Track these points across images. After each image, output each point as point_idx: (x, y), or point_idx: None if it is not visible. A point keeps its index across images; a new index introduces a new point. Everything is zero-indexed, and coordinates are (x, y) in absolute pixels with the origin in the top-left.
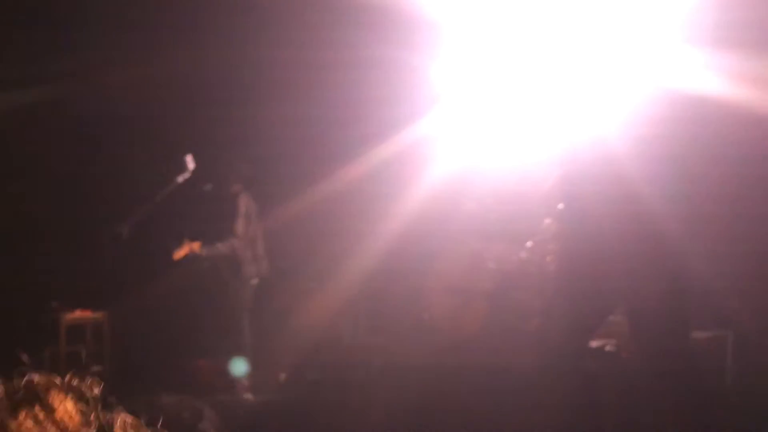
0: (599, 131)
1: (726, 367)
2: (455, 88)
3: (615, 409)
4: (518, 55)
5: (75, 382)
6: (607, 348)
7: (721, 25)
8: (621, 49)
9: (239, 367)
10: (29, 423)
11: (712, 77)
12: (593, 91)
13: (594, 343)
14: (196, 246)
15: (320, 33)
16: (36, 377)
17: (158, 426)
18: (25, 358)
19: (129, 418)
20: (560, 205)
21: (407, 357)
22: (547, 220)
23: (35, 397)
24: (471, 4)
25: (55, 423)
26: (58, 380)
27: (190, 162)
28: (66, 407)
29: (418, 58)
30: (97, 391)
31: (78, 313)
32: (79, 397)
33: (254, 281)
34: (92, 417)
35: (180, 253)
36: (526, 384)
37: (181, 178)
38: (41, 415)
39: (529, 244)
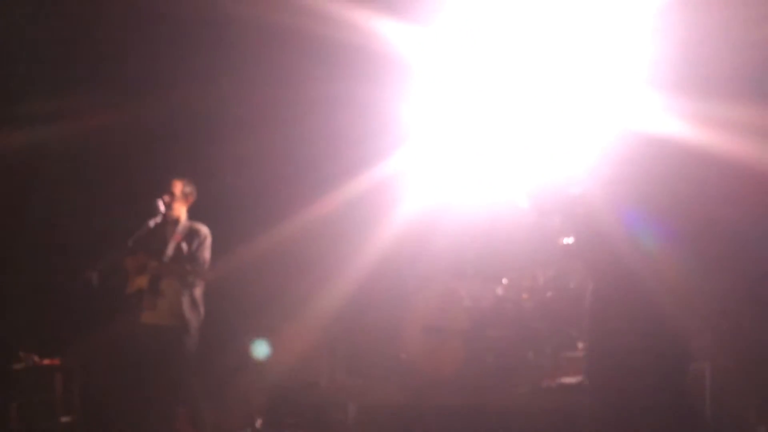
0: (568, 167)
1: (705, 400)
2: (425, 126)
3: None
4: (485, 93)
5: None
6: (586, 383)
7: (681, 67)
8: (586, 92)
9: (212, 410)
10: None
11: (675, 120)
12: (560, 131)
13: (571, 380)
14: (141, 281)
15: (290, 71)
16: None
17: None
18: None
19: None
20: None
21: (385, 398)
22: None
23: None
24: (440, 42)
25: None
26: None
27: (161, 205)
28: None
29: (388, 95)
30: None
31: (47, 362)
32: None
33: (193, 327)
34: None
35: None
36: (505, 423)
37: (152, 222)
38: None
39: (504, 281)
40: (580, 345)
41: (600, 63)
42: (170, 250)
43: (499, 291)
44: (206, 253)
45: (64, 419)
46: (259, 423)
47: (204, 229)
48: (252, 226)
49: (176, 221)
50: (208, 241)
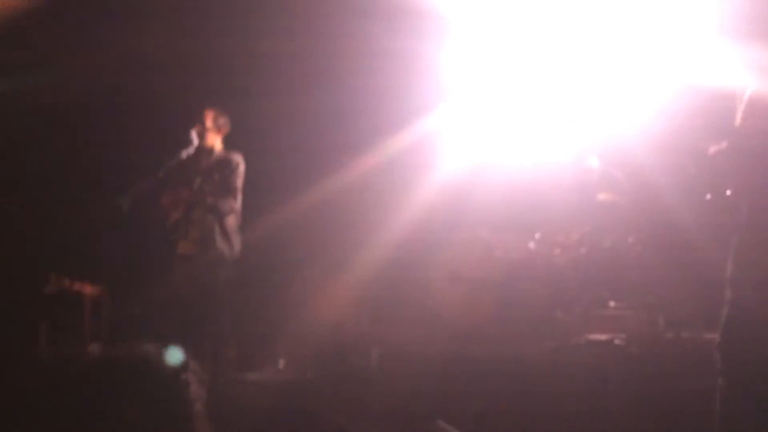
0: (616, 126)
1: None
2: (467, 79)
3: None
4: (533, 45)
5: None
6: (616, 342)
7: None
8: (647, 43)
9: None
10: None
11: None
12: (608, 83)
13: (601, 337)
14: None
15: (330, 23)
16: None
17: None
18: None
19: None
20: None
21: (408, 345)
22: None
23: None
24: None
25: None
26: None
27: (194, 136)
28: None
29: (430, 49)
30: None
31: (77, 287)
32: None
33: (226, 258)
34: None
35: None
36: (529, 376)
37: (184, 153)
38: None
39: (537, 235)
40: (612, 304)
41: (666, 13)
42: (199, 178)
43: (531, 245)
44: (237, 181)
45: (93, 346)
46: (282, 364)
47: (236, 158)
48: (291, 182)
49: (210, 151)
50: (241, 169)
